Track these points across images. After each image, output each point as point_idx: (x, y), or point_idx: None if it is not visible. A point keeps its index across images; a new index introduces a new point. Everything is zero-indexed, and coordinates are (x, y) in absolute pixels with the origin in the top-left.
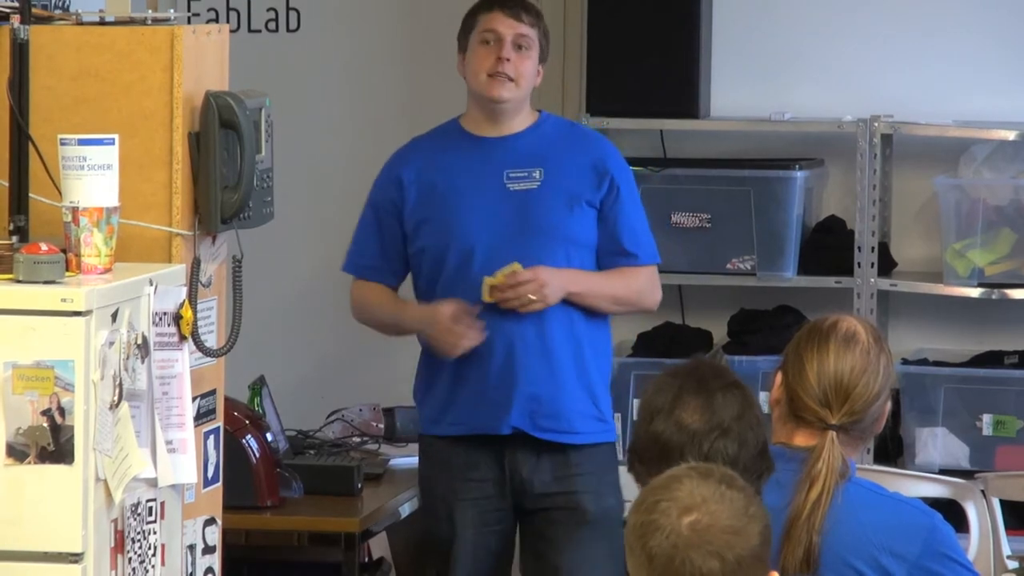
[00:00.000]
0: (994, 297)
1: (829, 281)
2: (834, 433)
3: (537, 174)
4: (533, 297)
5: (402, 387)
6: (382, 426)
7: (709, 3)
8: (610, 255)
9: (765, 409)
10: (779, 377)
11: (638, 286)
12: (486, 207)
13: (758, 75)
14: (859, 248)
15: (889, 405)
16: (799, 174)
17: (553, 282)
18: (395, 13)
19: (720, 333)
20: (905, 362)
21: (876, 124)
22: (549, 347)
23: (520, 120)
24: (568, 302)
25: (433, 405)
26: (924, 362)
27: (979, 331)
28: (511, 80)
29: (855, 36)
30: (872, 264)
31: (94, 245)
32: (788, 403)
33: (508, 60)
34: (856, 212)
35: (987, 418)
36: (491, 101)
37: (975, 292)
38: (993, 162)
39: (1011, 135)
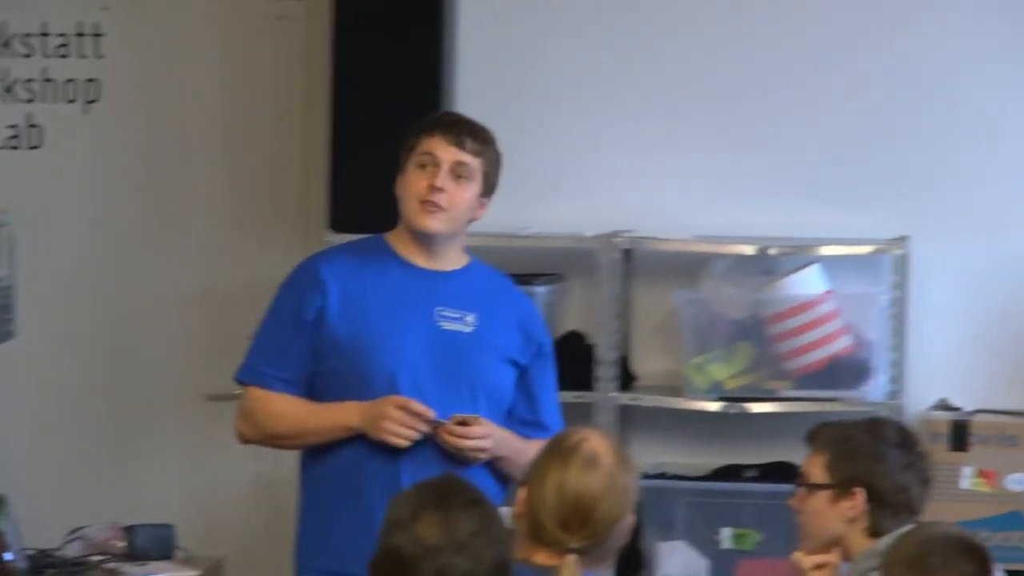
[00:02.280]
0: (733, 411)
1: (569, 396)
2: (574, 556)
3: (470, 319)
4: (471, 455)
5: (143, 505)
6: (123, 544)
7: None
8: (525, 424)
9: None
10: (523, 492)
11: None
12: (415, 341)
13: (502, 190)
14: (600, 363)
15: (632, 519)
16: (540, 289)
17: (495, 437)
18: (141, 132)
19: None
20: (645, 476)
21: (616, 240)
22: None
23: (453, 257)
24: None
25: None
26: (664, 476)
27: (719, 445)
28: (443, 210)
29: (597, 152)
30: (613, 379)
31: None
32: (530, 522)
33: (442, 189)
34: (597, 327)
35: (726, 531)
36: (418, 232)
37: (715, 406)
38: (732, 276)
39: (750, 249)
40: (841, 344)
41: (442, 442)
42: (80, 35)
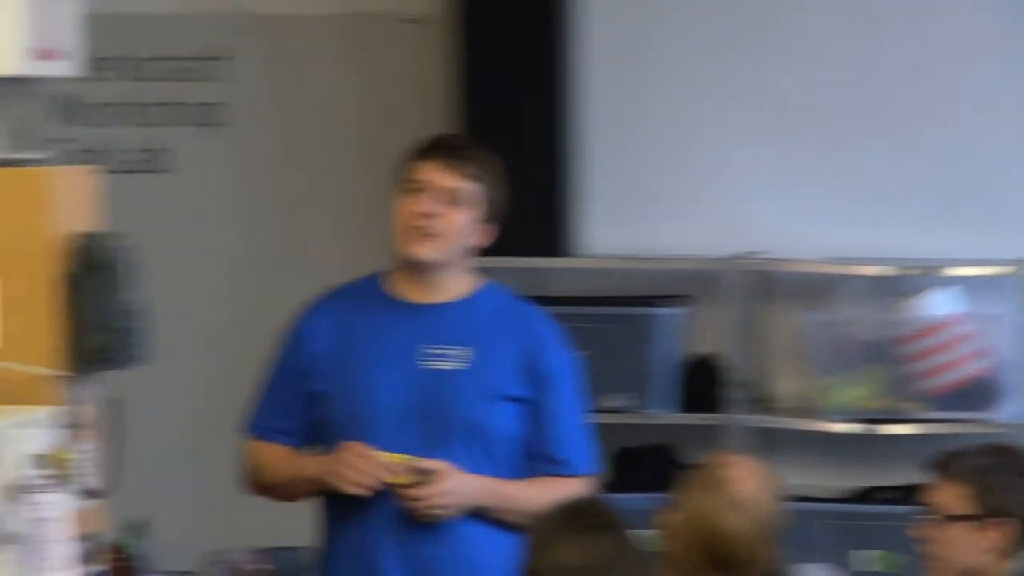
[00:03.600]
0: (865, 433)
1: (703, 419)
2: None
3: (461, 354)
4: (429, 513)
5: (285, 529)
6: (262, 567)
7: (583, 143)
8: (538, 459)
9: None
10: (666, 518)
11: None
12: (392, 384)
13: (630, 212)
14: (732, 386)
15: (774, 551)
16: (671, 312)
17: (460, 491)
18: (269, 156)
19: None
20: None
21: (746, 261)
22: (452, 551)
23: (452, 285)
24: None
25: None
26: (799, 498)
27: (852, 467)
28: (434, 237)
29: (726, 173)
30: (745, 401)
31: None
32: (671, 549)
33: (432, 215)
34: (728, 349)
35: (863, 554)
36: (406, 259)
37: (846, 428)
38: (862, 297)
39: (880, 270)
40: (973, 366)
41: (399, 500)
42: (208, 59)
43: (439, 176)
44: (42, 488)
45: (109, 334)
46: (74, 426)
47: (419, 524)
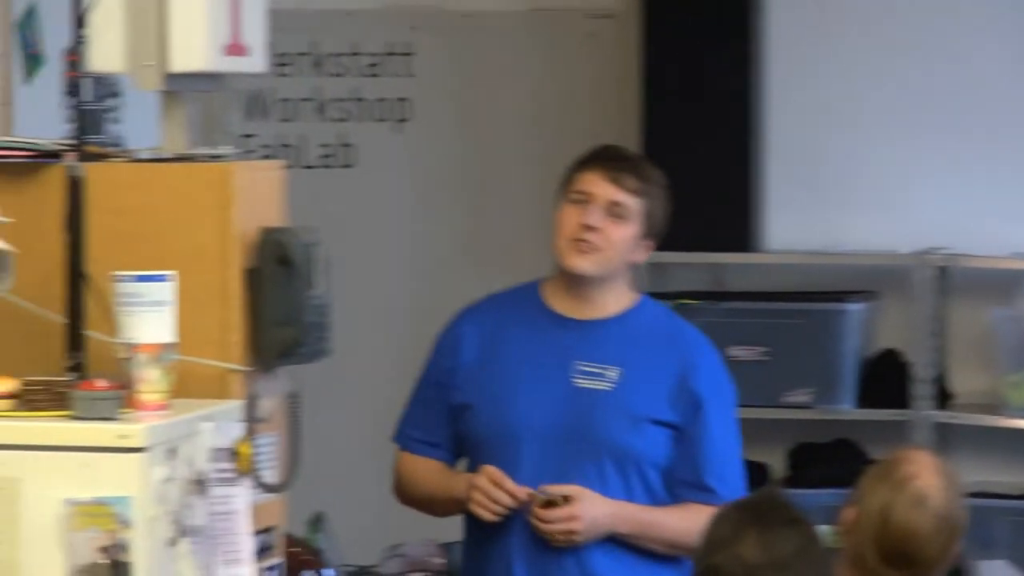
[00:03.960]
0: None
1: (887, 414)
2: None
3: (612, 374)
4: (560, 538)
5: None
6: (441, 561)
7: (765, 138)
8: (684, 486)
9: (828, 542)
10: (851, 513)
11: None
12: (545, 401)
13: (813, 208)
14: (916, 381)
15: (958, 548)
16: (855, 307)
17: (592, 516)
18: (451, 151)
19: (777, 466)
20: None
21: (931, 257)
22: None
23: (609, 302)
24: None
25: None
26: (983, 494)
27: None
28: (596, 251)
29: (910, 168)
30: (929, 397)
31: (151, 381)
32: (852, 546)
33: (595, 228)
34: (913, 344)
35: None
36: (566, 272)
37: None
38: None
39: None
40: None
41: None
42: (390, 54)
43: (603, 188)
44: (224, 481)
45: (293, 329)
46: (255, 420)
47: (553, 548)
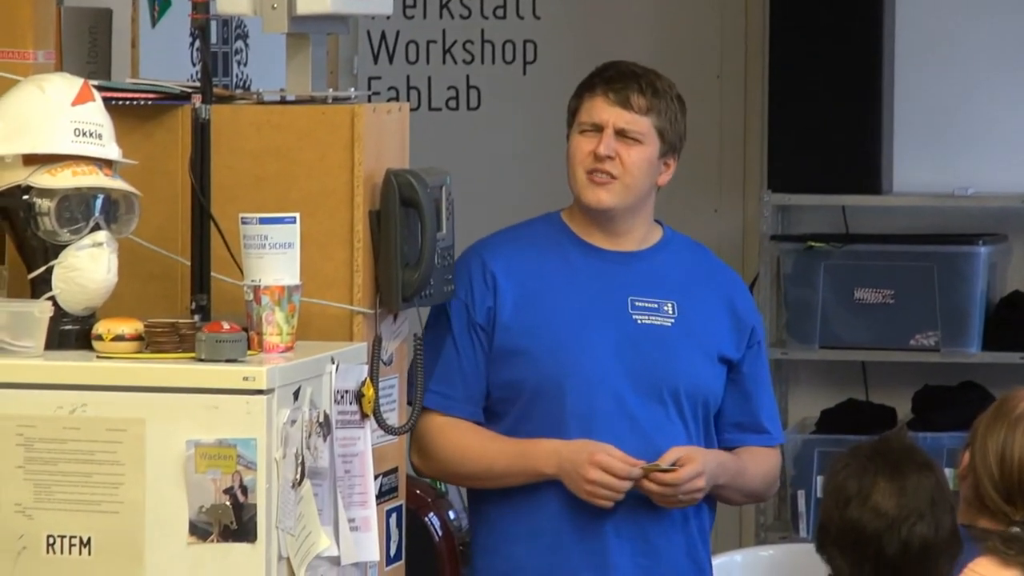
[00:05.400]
0: None
1: (1014, 357)
2: (1018, 528)
3: (669, 308)
4: (685, 499)
5: None
6: None
7: (891, 79)
8: (740, 430)
9: (952, 486)
10: (966, 457)
11: (772, 475)
12: (609, 343)
13: (941, 150)
14: None
15: None
16: (983, 249)
17: (709, 471)
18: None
19: (903, 409)
20: None
21: None
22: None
23: (640, 233)
24: None
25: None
26: None
27: None
28: (614, 180)
29: None
30: None
31: (275, 323)
32: (973, 487)
33: (609, 156)
34: None
35: None
36: (589, 208)
37: None
38: None
39: None
40: None
41: (646, 491)
42: None
43: (610, 113)
44: (348, 423)
45: (418, 271)
46: (380, 362)
47: (651, 516)
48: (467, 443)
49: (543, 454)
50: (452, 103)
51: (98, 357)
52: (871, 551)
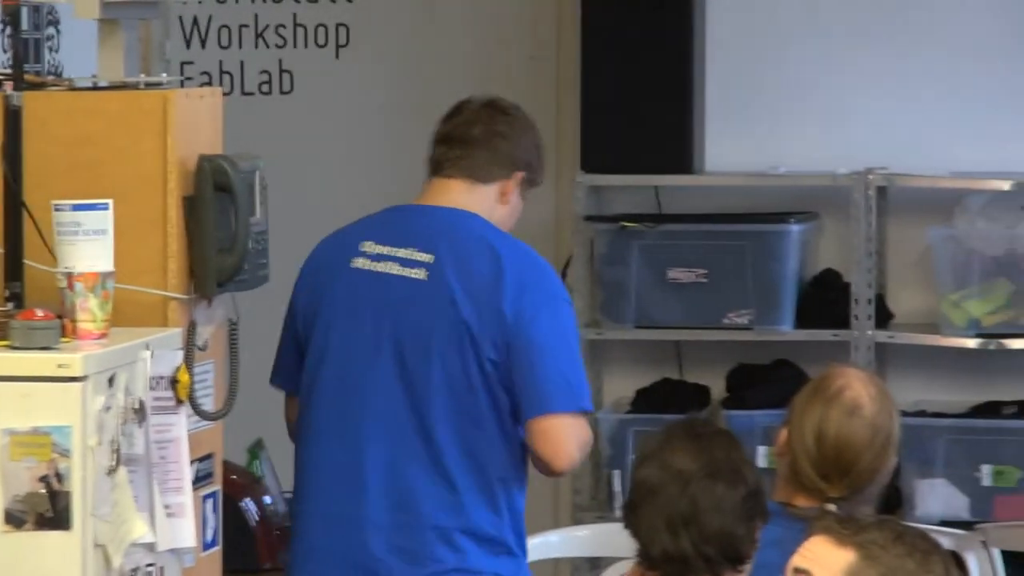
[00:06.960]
0: (991, 348)
1: (826, 334)
2: (834, 505)
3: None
4: None
5: None
6: None
7: (702, 59)
8: None
9: (763, 463)
10: (784, 434)
11: None
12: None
13: (752, 130)
14: (855, 301)
15: (894, 462)
16: (795, 228)
17: None
18: (389, 75)
19: (718, 388)
20: (904, 413)
21: (870, 177)
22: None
23: None
24: None
25: None
26: (922, 413)
27: (977, 382)
28: None
29: (848, 89)
30: (869, 316)
31: (89, 310)
32: (790, 465)
33: None
34: (852, 265)
35: (986, 468)
36: None
37: (972, 343)
38: (988, 212)
39: (1006, 185)
40: None
41: None
42: None
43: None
44: (163, 409)
45: (232, 256)
46: (194, 348)
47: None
48: None
49: None
50: (265, 87)
51: None
52: (657, 506)
